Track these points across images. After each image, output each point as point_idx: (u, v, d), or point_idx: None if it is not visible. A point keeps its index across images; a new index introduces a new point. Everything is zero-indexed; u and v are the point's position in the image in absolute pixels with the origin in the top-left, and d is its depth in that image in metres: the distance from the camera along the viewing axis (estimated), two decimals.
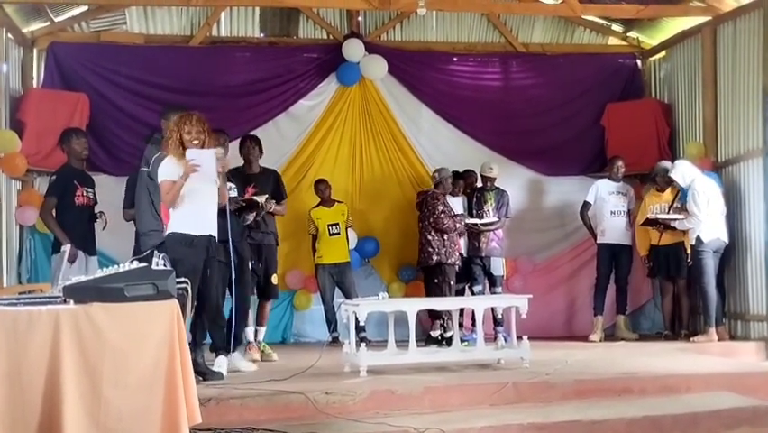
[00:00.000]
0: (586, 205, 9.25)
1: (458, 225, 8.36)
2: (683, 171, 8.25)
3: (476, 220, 8.68)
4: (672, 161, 9.14)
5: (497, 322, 8.46)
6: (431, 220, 8.36)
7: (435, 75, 10.10)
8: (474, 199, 8.91)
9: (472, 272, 8.75)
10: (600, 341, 8.85)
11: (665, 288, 8.97)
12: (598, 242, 9.19)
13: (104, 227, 7.54)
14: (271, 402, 5.34)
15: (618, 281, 9.18)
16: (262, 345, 7.68)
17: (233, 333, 6.49)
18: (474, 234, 8.75)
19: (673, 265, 8.72)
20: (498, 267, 8.72)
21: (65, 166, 7.48)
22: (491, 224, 8.71)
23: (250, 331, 7.44)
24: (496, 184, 8.95)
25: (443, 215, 8.29)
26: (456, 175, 8.91)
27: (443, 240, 8.28)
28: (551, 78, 10.23)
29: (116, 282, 3.70)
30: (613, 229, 9.07)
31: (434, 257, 8.35)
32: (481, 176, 8.98)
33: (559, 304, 9.84)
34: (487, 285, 8.82)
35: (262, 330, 7.70)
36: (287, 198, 7.98)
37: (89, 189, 7.48)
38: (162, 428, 3.60)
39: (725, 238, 8.19)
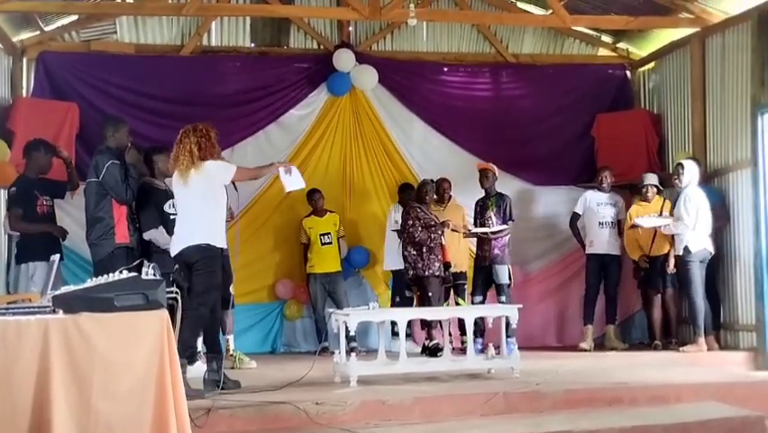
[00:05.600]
0: (575, 216, 9.29)
1: (433, 235, 8.29)
2: (693, 170, 8.22)
3: (485, 229, 8.65)
4: (662, 172, 9.21)
5: (481, 333, 8.43)
6: (405, 235, 8.35)
7: (426, 85, 10.13)
8: (478, 208, 8.88)
9: (474, 281, 8.77)
10: (590, 350, 8.87)
11: (651, 298, 8.98)
12: (586, 252, 9.21)
13: (63, 239, 7.59)
14: (261, 413, 5.32)
15: (608, 291, 9.19)
16: (237, 354, 7.68)
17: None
18: (479, 242, 8.75)
19: (660, 275, 8.73)
20: (503, 275, 8.63)
21: (22, 177, 7.47)
22: (499, 231, 8.65)
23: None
24: (496, 189, 8.91)
25: (411, 228, 8.25)
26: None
27: (421, 252, 8.24)
28: (541, 89, 10.26)
29: (106, 292, 3.69)
30: (601, 240, 9.09)
31: (411, 271, 8.33)
32: (480, 172, 8.90)
33: (550, 314, 9.86)
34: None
35: (231, 338, 7.70)
36: None
37: (47, 198, 7.50)
38: None
39: (711, 249, 8.22)
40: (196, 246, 5.98)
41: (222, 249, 6.15)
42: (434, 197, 8.77)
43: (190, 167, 5.97)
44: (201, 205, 6.01)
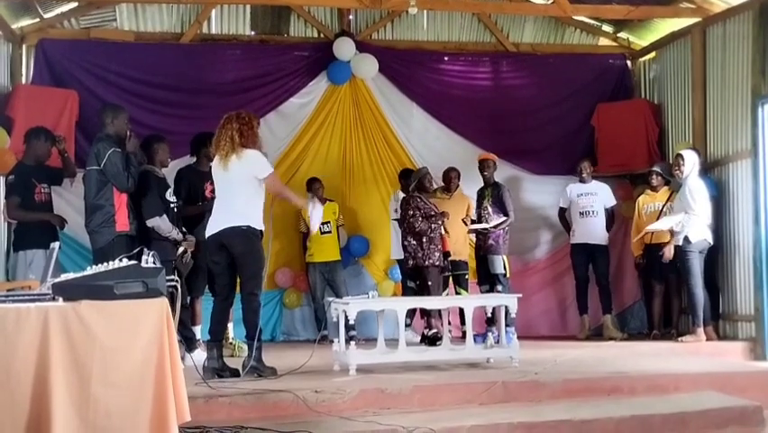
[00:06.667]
0: (561, 210, 9.39)
1: (434, 225, 8.30)
2: (694, 159, 8.18)
3: (485, 225, 8.67)
4: (662, 162, 9.19)
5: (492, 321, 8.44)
6: (405, 225, 8.35)
7: (426, 74, 10.11)
8: (477, 197, 8.90)
9: (478, 272, 8.81)
10: (585, 339, 8.92)
11: (653, 287, 8.99)
12: (570, 242, 9.27)
13: (62, 228, 7.59)
14: (261, 401, 5.33)
15: (599, 281, 9.23)
16: (236, 342, 7.68)
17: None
18: (477, 233, 8.79)
19: (665, 264, 8.71)
20: (497, 265, 8.68)
21: (20, 164, 7.46)
22: (500, 224, 8.68)
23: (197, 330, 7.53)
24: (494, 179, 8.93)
25: (412, 219, 8.25)
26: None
27: (421, 242, 8.24)
28: (541, 78, 10.25)
29: (106, 280, 3.68)
30: (584, 230, 9.17)
31: (410, 261, 8.33)
32: (478, 167, 8.91)
33: (549, 303, 9.89)
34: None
35: (230, 327, 7.70)
36: None
37: (45, 186, 7.49)
38: (151, 427, 3.58)
39: (710, 240, 8.21)
40: (235, 228, 6.05)
41: (261, 231, 6.20)
42: (442, 185, 8.89)
43: (231, 153, 6.07)
44: (241, 189, 6.08)
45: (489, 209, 8.75)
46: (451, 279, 8.91)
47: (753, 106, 8.00)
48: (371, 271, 9.76)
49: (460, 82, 10.18)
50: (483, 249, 8.74)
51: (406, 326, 8.53)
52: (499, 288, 8.57)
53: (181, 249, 7.00)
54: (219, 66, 9.51)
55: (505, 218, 8.73)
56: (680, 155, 8.28)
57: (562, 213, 9.42)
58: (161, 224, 6.88)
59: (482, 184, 9.01)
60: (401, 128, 9.94)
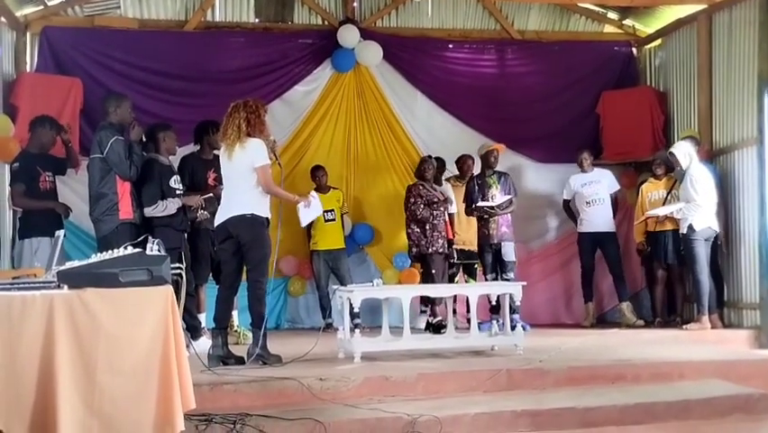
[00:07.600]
0: (565, 202, 9.39)
1: (435, 212, 8.28)
2: (687, 151, 8.17)
3: (490, 203, 8.58)
4: (666, 150, 9.17)
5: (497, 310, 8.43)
6: (408, 213, 8.34)
7: (431, 62, 10.08)
8: (477, 186, 8.74)
9: (484, 261, 8.72)
10: (591, 327, 8.92)
11: (656, 273, 8.98)
12: (578, 230, 9.25)
13: (66, 217, 7.61)
14: (265, 388, 5.34)
15: (612, 269, 9.20)
16: (241, 329, 7.68)
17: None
18: (483, 221, 8.65)
19: (670, 251, 8.70)
20: (510, 253, 8.63)
21: (25, 152, 7.47)
22: (505, 205, 8.61)
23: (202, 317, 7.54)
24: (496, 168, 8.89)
25: (413, 206, 8.24)
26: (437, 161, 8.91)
27: (424, 230, 8.24)
28: (546, 66, 10.21)
29: (111, 268, 3.68)
30: (592, 218, 9.15)
31: (414, 249, 8.33)
32: (483, 156, 8.88)
33: (554, 291, 9.89)
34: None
35: (235, 314, 7.71)
36: None
37: (50, 174, 7.49)
38: (157, 414, 3.59)
39: (716, 227, 8.19)
40: (241, 216, 6.09)
41: (267, 219, 6.23)
42: (457, 173, 9.01)
43: (236, 142, 6.08)
44: (243, 178, 6.10)
45: (498, 197, 8.68)
46: (461, 269, 8.91)
47: (759, 93, 7.94)
48: (376, 258, 9.76)
49: (464, 70, 10.15)
50: (497, 236, 8.61)
51: (421, 312, 8.54)
52: (511, 275, 8.51)
53: (199, 211, 7.14)
54: (223, 54, 9.49)
55: (508, 197, 8.65)
56: (671, 153, 8.23)
57: (567, 205, 9.41)
58: (156, 213, 6.85)
59: (479, 171, 8.96)
60: (405, 115, 9.93)
